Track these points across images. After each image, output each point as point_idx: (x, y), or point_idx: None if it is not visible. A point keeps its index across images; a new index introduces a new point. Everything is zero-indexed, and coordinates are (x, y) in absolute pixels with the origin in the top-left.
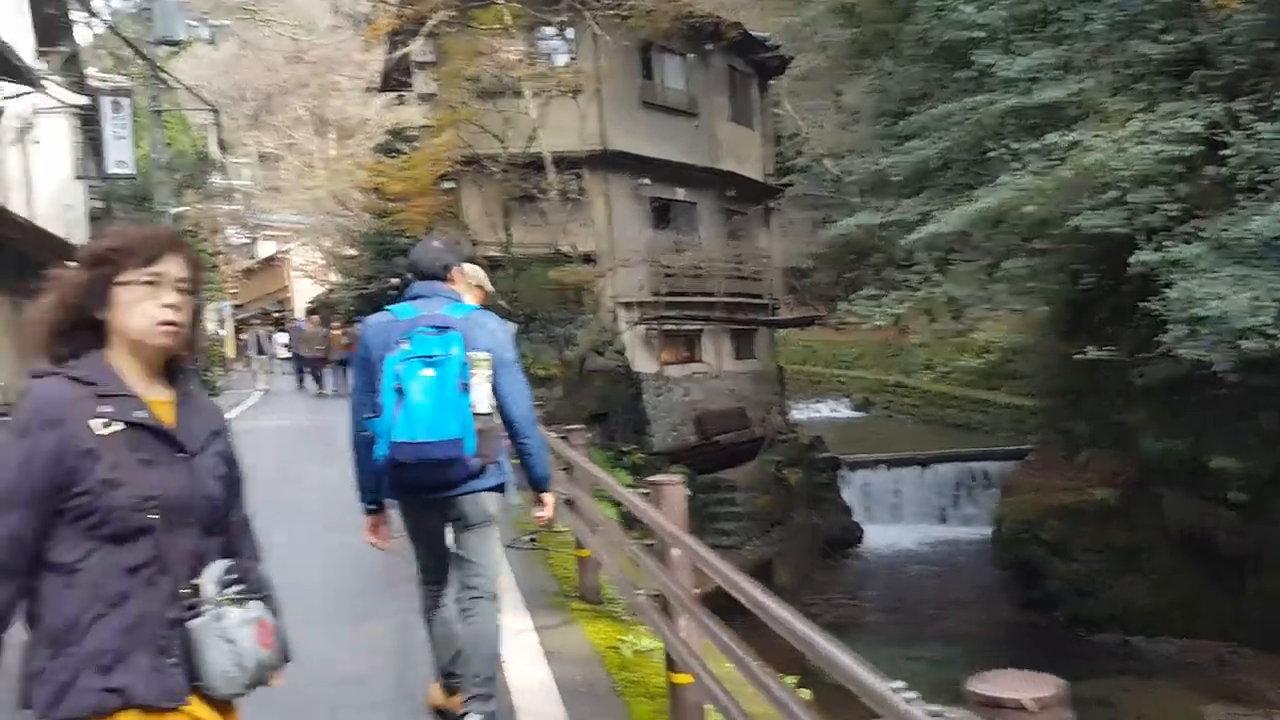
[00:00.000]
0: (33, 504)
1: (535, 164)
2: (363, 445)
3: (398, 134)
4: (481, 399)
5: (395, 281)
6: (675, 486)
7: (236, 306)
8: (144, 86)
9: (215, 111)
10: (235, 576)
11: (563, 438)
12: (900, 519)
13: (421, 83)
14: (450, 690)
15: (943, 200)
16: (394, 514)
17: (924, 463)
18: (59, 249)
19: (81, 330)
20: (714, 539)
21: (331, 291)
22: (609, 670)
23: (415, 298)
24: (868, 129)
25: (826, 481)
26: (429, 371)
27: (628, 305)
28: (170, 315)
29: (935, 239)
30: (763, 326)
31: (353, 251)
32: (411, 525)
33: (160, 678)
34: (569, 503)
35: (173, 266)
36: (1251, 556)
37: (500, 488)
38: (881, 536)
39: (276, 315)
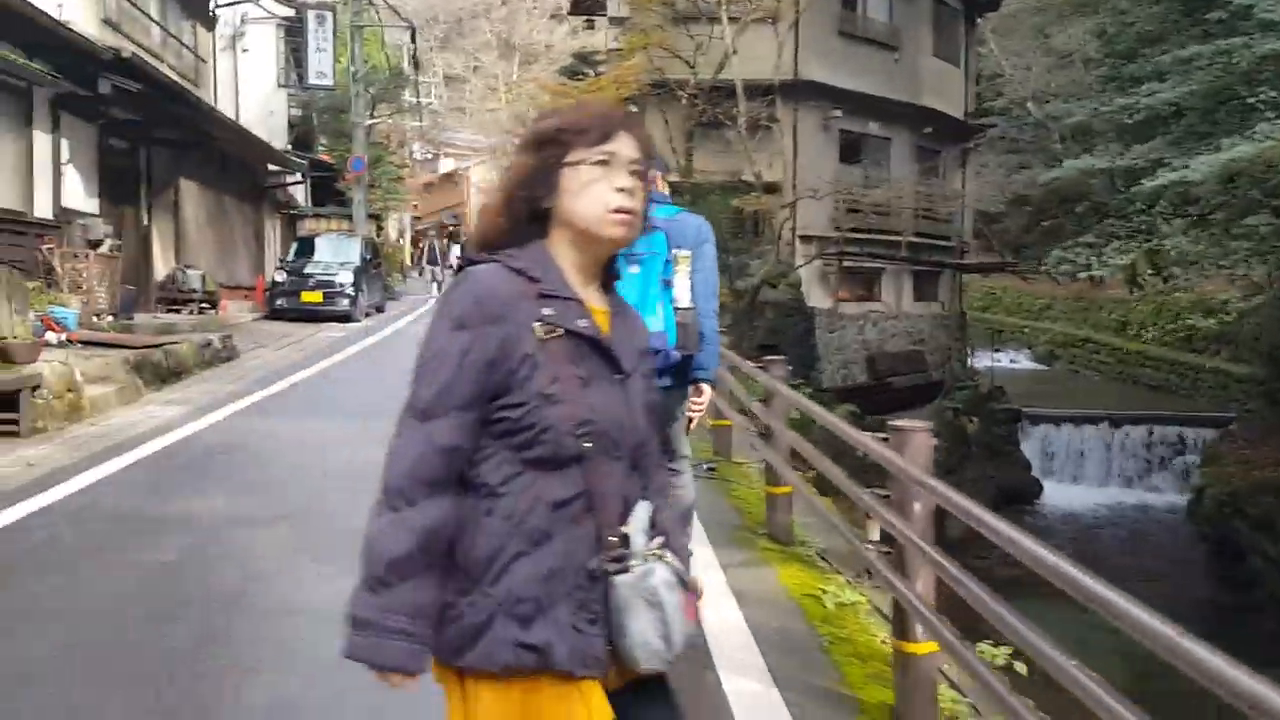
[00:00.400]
0: (471, 407)
1: (723, 91)
2: None
3: (583, 58)
4: (683, 294)
5: None
6: (921, 433)
7: (416, 218)
8: (345, 2)
9: (412, 29)
10: (658, 526)
11: (761, 367)
12: (1082, 479)
13: (615, 5)
14: None
15: (1176, 149)
16: None
17: (1113, 422)
18: (261, 152)
19: (524, 223)
20: (880, 486)
21: None
22: (810, 622)
23: None
24: (1081, 73)
25: (1005, 434)
26: (634, 268)
27: (807, 239)
28: (624, 201)
29: (1172, 189)
30: (948, 269)
31: None
32: None
33: (581, 640)
34: (764, 435)
35: (625, 146)
36: None
37: (697, 379)
38: (1061, 495)
39: (451, 228)
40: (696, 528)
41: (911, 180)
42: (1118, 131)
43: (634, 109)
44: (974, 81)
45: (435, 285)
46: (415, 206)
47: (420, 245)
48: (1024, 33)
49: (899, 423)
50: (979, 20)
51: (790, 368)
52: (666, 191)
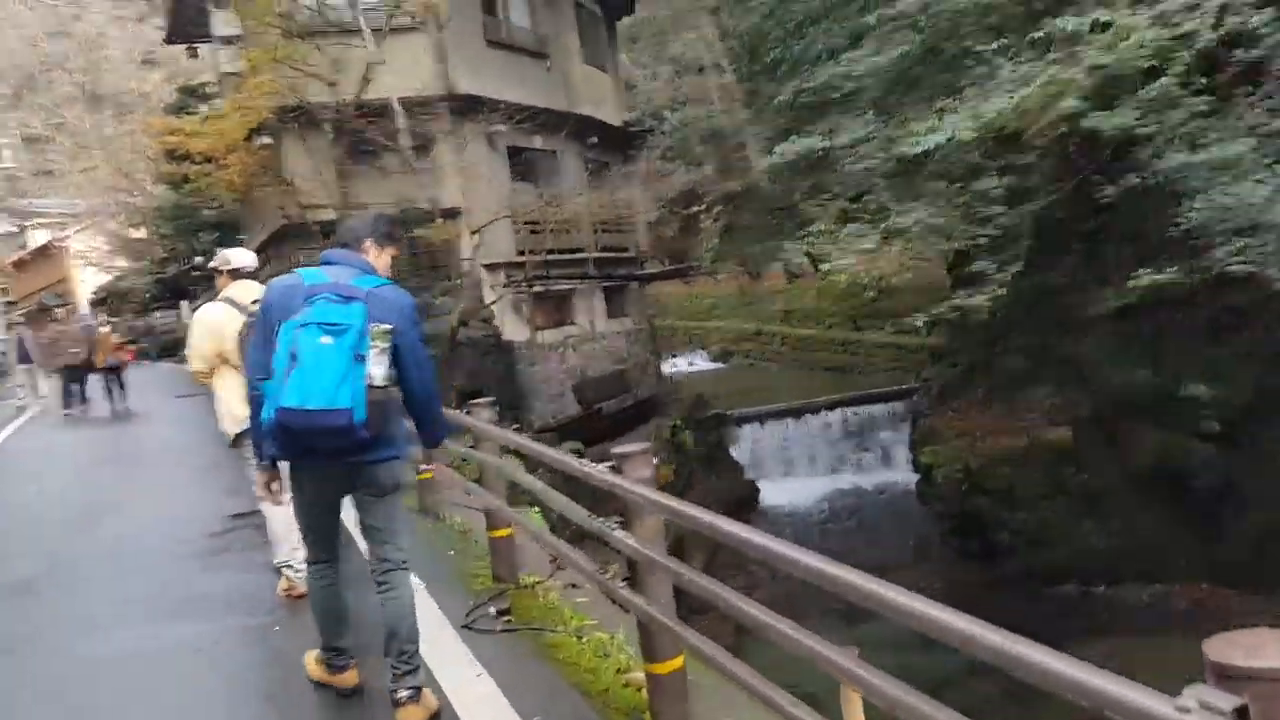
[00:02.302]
0: None
1: (374, 111)
2: (255, 405)
3: (192, 91)
4: (377, 372)
5: (199, 260)
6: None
7: (10, 303)
8: None
9: None
10: None
11: (613, 468)
12: (794, 473)
13: (222, 23)
14: (334, 667)
15: (884, 122)
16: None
17: (810, 411)
18: None
19: None
20: (614, 520)
21: (121, 278)
22: None
23: (326, 264)
24: (706, 78)
25: (716, 441)
26: (327, 339)
27: (492, 267)
28: None
29: (936, 153)
30: (634, 282)
31: (142, 234)
32: (299, 493)
33: None
34: (629, 582)
35: None
36: (1227, 492)
37: (396, 459)
38: (778, 494)
39: (55, 309)
40: None
41: (589, 194)
42: (790, 118)
43: (268, 140)
44: (625, 89)
45: (29, 387)
46: (4, 290)
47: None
48: (646, 43)
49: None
50: (618, 25)
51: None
52: (382, 260)
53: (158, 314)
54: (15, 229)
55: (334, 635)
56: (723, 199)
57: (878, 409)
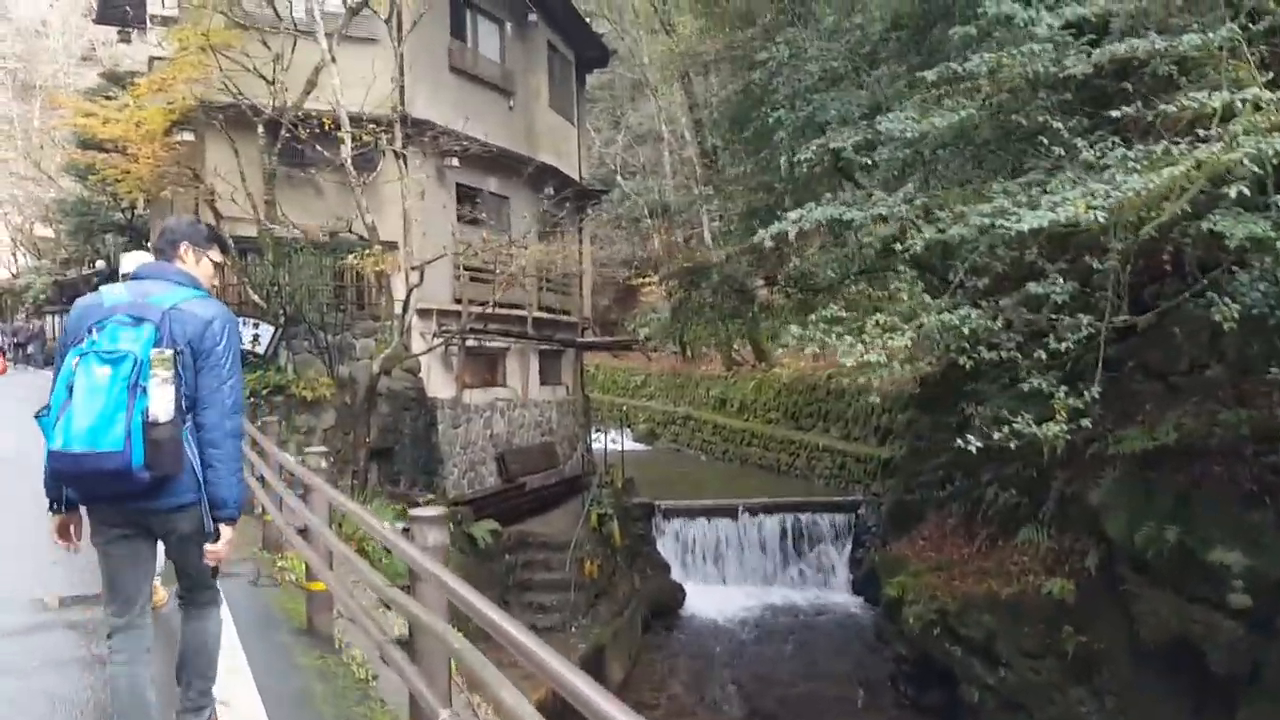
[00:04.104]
0: None
1: (315, 119)
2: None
3: (116, 78)
4: (158, 406)
5: (101, 265)
6: None
7: None
8: None
9: None
10: None
11: None
12: (724, 579)
13: (158, 2)
14: None
15: (924, 198)
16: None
17: (748, 511)
18: None
19: None
20: (530, 617)
21: (17, 277)
22: None
23: (135, 278)
24: (669, 150)
25: (641, 533)
26: (105, 370)
27: (424, 313)
28: None
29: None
30: (571, 349)
31: (49, 232)
32: (96, 541)
33: None
34: None
35: None
36: (1251, 676)
37: (195, 504)
38: (707, 601)
39: None
40: None
41: (534, 247)
42: (767, 201)
43: (189, 136)
44: (588, 145)
45: None
46: None
47: None
48: (604, 106)
49: None
50: (588, 76)
51: (396, 477)
52: (202, 267)
53: (51, 318)
54: None
55: None
56: (681, 273)
57: (818, 519)
